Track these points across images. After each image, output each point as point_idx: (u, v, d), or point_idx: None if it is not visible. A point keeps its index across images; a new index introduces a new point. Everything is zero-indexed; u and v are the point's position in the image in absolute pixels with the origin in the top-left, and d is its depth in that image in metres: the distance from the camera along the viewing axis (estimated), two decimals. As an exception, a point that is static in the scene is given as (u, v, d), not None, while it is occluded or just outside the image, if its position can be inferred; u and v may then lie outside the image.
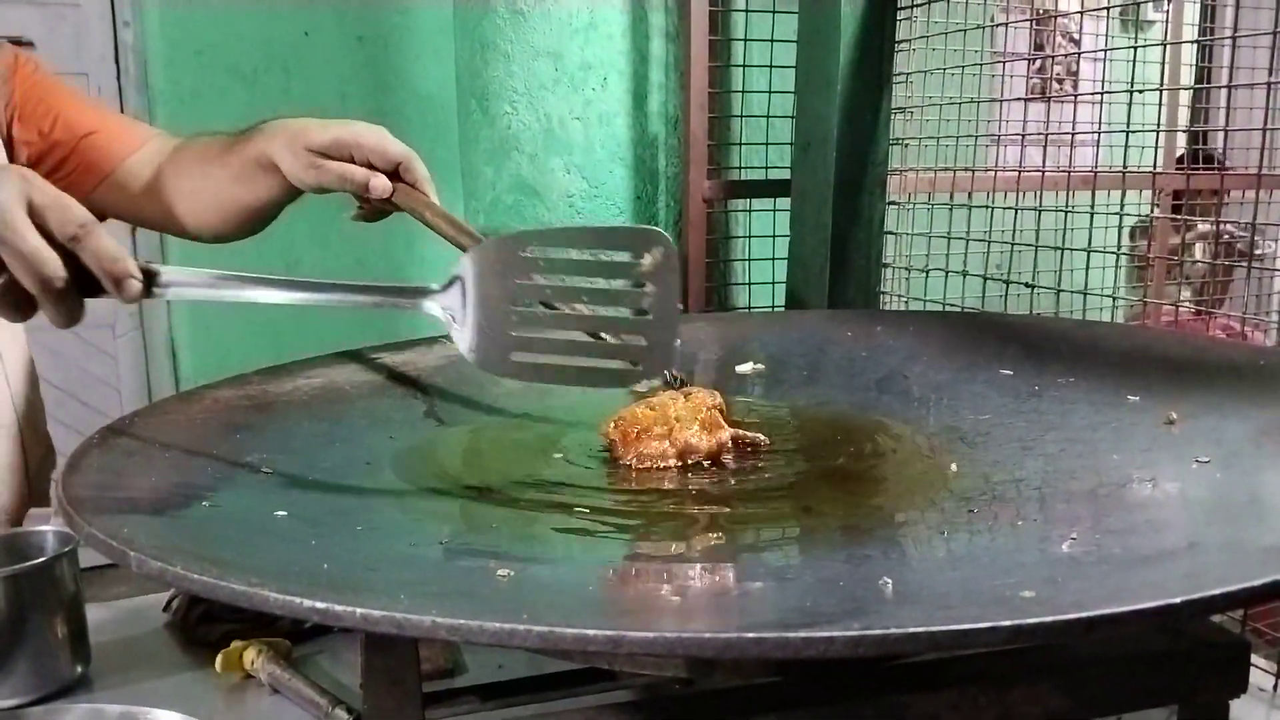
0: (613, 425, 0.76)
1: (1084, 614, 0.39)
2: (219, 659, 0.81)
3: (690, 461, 0.74)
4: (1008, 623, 0.38)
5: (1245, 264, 2.22)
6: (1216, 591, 0.41)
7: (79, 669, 0.81)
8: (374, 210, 0.88)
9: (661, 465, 0.74)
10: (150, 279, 0.66)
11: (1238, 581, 0.41)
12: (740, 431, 0.79)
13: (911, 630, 0.38)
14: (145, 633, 0.90)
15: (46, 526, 0.84)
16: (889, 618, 0.46)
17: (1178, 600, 0.40)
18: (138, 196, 1.01)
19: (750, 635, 0.39)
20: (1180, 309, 1.97)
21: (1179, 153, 2.65)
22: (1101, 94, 2.24)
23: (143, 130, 1.05)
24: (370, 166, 0.85)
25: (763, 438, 0.79)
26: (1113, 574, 0.51)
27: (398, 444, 0.79)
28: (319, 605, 0.42)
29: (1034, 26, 2.77)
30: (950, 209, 1.67)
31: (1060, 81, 3.03)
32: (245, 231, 1.00)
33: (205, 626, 0.87)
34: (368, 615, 0.41)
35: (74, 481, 0.59)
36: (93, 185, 1.00)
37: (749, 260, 2.03)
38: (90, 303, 0.66)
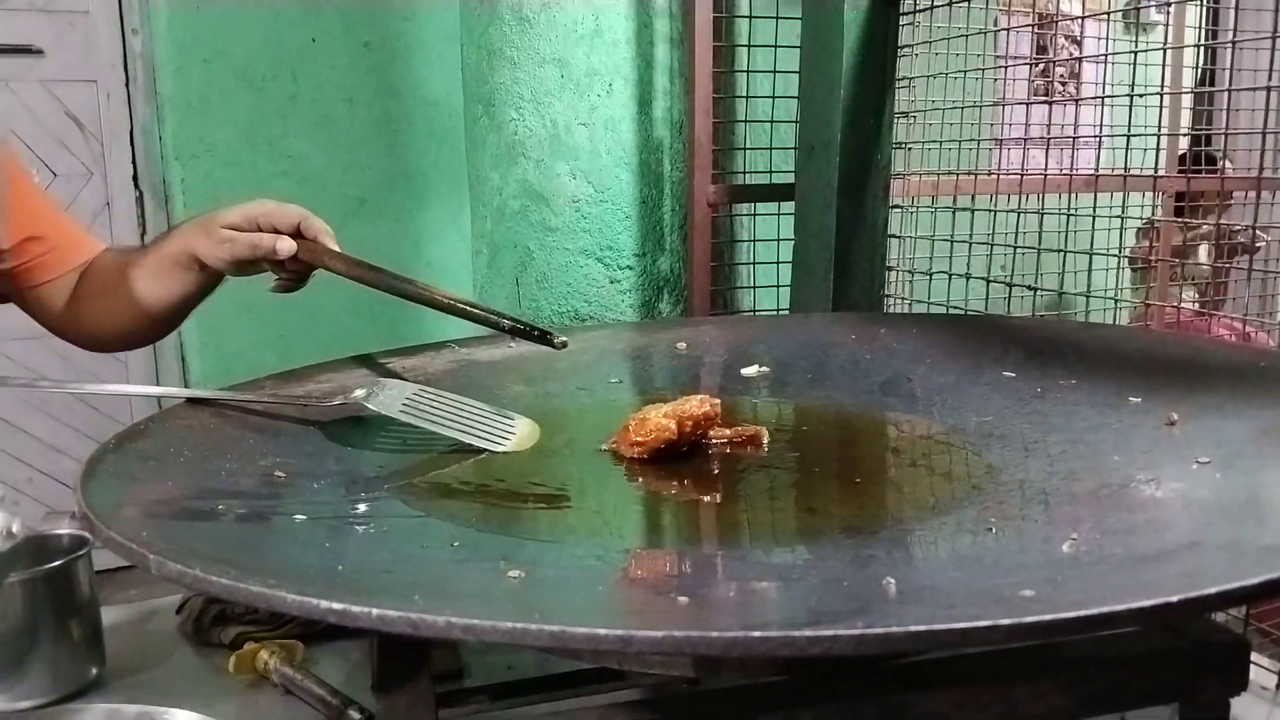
0: (616, 435, 0.79)
1: (1082, 612, 0.39)
2: (232, 660, 0.82)
3: (689, 429, 0.77)
4: (1008, 621, 0.39)
5: (1247, 265, 2.22)
6: (1213, 590, 0.42)
7: (94, 670, 0.82)
8: (291, 276, 0.93)
9: (665, 436, 0.76)
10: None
11: (1235, 580, 0.42)
12: (739, 428, 0.81)
13: (914, 629, 0.39)
14: (159, 634, 0.91)
15: (62, 529, 0.85)
16: (892, 617, 0.46)
17: (1175, 599, 0.41)
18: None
19: (756, 634, 0.40)
20: (1183, 310, 1.97)
21: (1181, 155, 2.65)
22: (1103, 97, 2.25)
23: (90, 244, 1.03)
24: (276, 232, 0.91)
25: (762, 430, 0.81)
26: (1113, 573, 0.51)
27: (408, 447, 0.80)
28: (336, 606, 0.43)
29: (1036, 30, 2.78)
30: (953, 212, 1.68)
31: (1063, 84, 3.04)
32: (153, 334, 1.01)
33: (218, 628, 0.88)
34: (384, 616, 0.42)
35: (92, 486, 0.61)
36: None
37: (753, 264, 2.04)
38: None
